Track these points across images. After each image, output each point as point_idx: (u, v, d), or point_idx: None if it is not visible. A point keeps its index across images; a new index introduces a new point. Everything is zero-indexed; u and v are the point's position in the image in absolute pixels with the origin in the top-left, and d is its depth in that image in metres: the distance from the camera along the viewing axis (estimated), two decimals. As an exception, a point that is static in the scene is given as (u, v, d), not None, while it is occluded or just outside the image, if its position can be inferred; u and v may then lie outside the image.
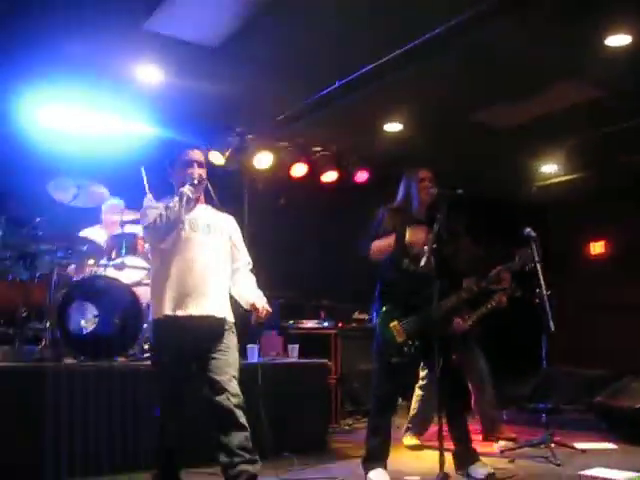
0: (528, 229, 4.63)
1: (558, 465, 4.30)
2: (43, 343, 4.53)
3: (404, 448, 4.96)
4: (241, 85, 5.67)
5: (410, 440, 5.02)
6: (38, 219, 4.85)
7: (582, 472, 4.10)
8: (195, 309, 3.30)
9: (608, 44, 4.95)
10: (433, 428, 5.11)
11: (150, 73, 5.46)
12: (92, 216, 5.53)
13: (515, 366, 7.01)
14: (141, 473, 3.88)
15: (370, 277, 4.21)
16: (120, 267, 4.96)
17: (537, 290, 4.58)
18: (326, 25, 4.78)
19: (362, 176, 7.36)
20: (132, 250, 5.10)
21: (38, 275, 4.88)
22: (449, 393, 3.92)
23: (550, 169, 7.96)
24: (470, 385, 5.29)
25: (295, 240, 7.13)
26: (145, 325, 4.81)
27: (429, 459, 3.44)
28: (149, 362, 4.63)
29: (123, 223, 5.25)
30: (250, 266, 3.68)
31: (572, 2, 4.51)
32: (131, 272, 5.03)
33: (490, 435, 5.24)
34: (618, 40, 4.92)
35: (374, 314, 4.10)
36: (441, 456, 3.40)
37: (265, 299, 3.50)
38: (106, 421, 4.16)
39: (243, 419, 3.21)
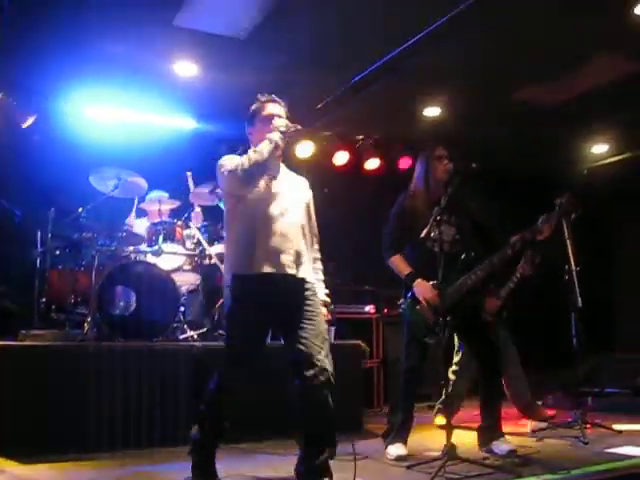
0: (560, 200, 4.53)
1: (586, 444, 4.24)
2: (86, 326, 4.77)
3: (434, 428, 5.01)
4: (275, 75, 5.75)
5: (441, 420, 5.04)
6: (81, 209, 5.14)
7: (609, 450, 4.05)
8: (286, 267, 3.14)
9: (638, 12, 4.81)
10: (462, 412, 5.17)
11: (184, 67, 5.65)
12: (132, 206, 5.75)
13: (567, 351, 6.91)
14: (179, 448, 3.96)
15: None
16: (158, 253, 5.16)
17: (566, 266, 4.55)
18: (357, 7, 4.81)
19: (405, 163, 7.38)
20: (170, 237, 5.30)
21: (84, 263, 5.14)
22: (484, 368, 3.99)
23: (600, 150, 7.76)
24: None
25: (341, 228, 7.20)
26: (182, 308, 5.02)
27: (453, 437, 3.48)
28: (186, 343, 4.89)
29: (161, 212, 5.49)
30: (317, 246, 3.50)
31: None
32: (169, 258, 5.25)
33: (528, 417, 5.21)
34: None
35: (403, 299, 4.13)
36: (448, 430, 3.47)
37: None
38: (145, 398, 4.34)
39: (330, 400, 3.07)
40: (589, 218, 8.73)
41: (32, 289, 5.13)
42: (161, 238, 5.22)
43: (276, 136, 3.18)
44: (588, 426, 4.63)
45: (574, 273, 4.50)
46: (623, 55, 5.53)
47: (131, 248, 5.22)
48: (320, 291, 3.35)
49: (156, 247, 5.17)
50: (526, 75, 5.98)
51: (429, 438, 4.51)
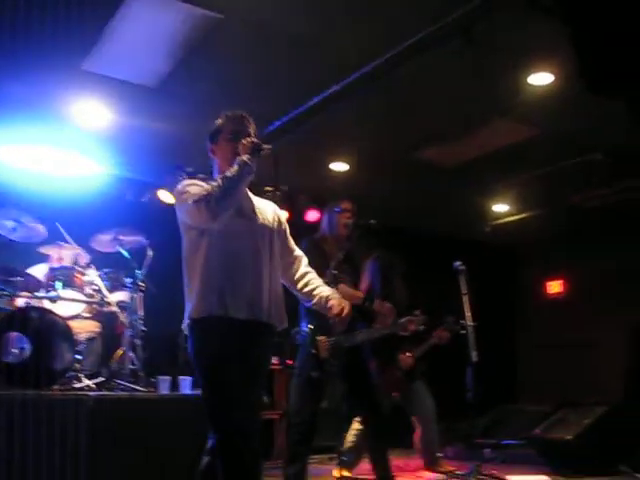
0: (458, 262, 4.77)
1: (480, 495, 4.35)
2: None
3: None
4: (184, 124, 5.80)
5: (339, 472, 5.03)
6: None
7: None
8: (261, 313, 2.81)
9: (531, 82, 5.11)
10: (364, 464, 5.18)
11: (95, 112, 5.59)
12: (31, 250, 5.60)
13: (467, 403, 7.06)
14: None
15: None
16: (55, 299, 5.02)
17: (462, 321, 4.70)
18: (259, 62, 4.91)
19: (313, 215, 7.47)
20: (69, 283, 5.18)
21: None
22: (372, 431, 4.04)
23: (500, 208, 8.10)
24: (414, 420, 5.34)
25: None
26: (79, 356, 4.88)
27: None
28: (82, 392, 4.74)
29: (61, 258, 5.37)
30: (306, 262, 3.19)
31: (492, 41, 4.67)
32: (67, 305, 5.11)
33: (430, 469, 5.27)
34: (542, 79, 5.09)
35: (300, 332, 4.13)
36: None
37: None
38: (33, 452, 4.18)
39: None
40: (492, 274, 9.17)
41: None
42: (59, 284, 5.08)
43: (247, 159, 2.77)
44: (483, 477, 4.73)
45: (469, 328, 4.65)
46: (519, 120, 5.83)
47: (27, 293, 5.06)
48: (330, 293, 3.03)
49: (53, 293, 5.04)
50: (428, 135, 6.21)
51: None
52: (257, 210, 2.99)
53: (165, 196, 6.59)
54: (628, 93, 3.93)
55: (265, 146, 2.83)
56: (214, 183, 2.76)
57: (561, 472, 5.12)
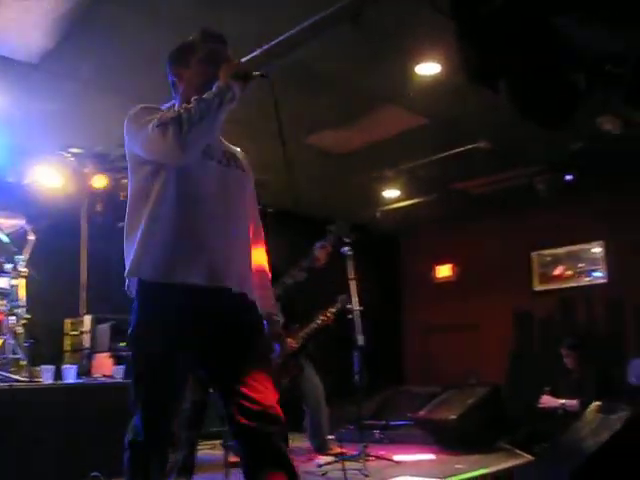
0: (345, 248, 4.80)
1: (366, 476, 4.43)
2: None
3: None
4: (68, 102, 5.57)
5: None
6: None
7: (387, 480, 4.26)
8: (224, 279, 2.21)
9: (419, 72, 5.21)
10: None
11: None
12: None
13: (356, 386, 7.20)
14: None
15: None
16: None
17: (348, 305, 4.77)
18: (140, 41, 4.77)
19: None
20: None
21: None
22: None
23: (390, 194, 8.25)
24: (304, 404, 5.37)
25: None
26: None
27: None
28: None
29: None
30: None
31: (381, 29, 4.72)
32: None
33: (320, 453, 5.33)
34: (430, 68, 5.19)
35: None
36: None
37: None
38: None
39: (287, 456, 2.14)
40: (380, 258, 9.34)
41: None
42: None
43: (233, 83, 2.21)
44: (372, 458, 4.84)
45: (356, 313, 4.72)
46: (407, 108, 5.93)
47: None
48: (265, 301, 2.48)
49: None
50: (319, 122, 6.23)
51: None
52: (230, 154, 2.45)
53: (46, 176, 6.32)
54: (507, 85, 4.08)
55: (255, 72, 2.30)
56: (186, 106, 2.11)
57: (446, 450, 5.30)
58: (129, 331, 2.23)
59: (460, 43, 4.09)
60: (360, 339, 4.60)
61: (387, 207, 8.55)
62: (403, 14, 4.46)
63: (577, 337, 6.09)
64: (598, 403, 3.53)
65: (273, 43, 4.75)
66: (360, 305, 4.91)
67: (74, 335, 6.06)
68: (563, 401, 5.40)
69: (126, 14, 4.41)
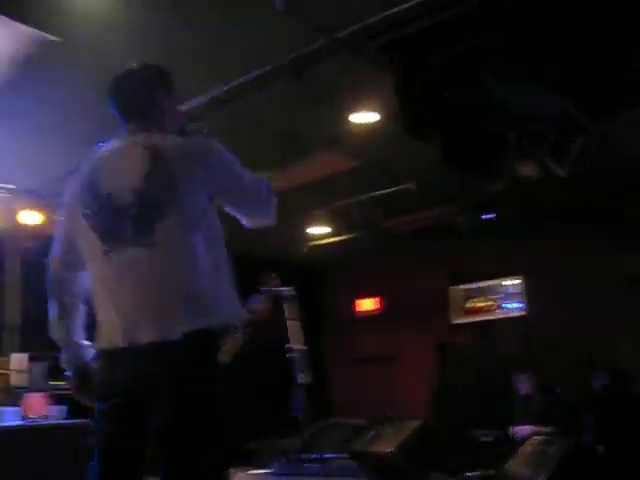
0: (286, 289, 4.95)
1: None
2: None
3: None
4: (12, 141, 5.57)
5: None
6: None
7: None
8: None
9: (353, 120, 5.49)
10: None
11: None
12: None
13: (289, 420, 7.32)
14: None
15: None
16: None
17: (286, 345, 4.92)
18: (94, 88, 4.82)
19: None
20: None
21: None
22: None
23: (319, 231, 8.50)
24: None
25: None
26: None
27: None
28: None
29: None
30: None
31: (321, 79, 4.95)
32: None
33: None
34: (364, 117, 5.47)
35: None
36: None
37: None
38: None
39: None
40: (305, 292, 9.53)
41: None
42: None
43: None
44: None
45: (300, 352, 4.87)
46: (341, 153, 6.22)
47: None
48: None
49: None
50: (254, 163, 6.38)
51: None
52: None
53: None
54: (440, 137, 4.40)
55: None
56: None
57: (382, 482, 5.49)
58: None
59: (397, 95, 4.39)
60: (301, 377, 4.75)
61: (315, 242, 8.78)
62: (343, 66, 4.71)
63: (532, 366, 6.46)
64: (537, 438, 3.79)
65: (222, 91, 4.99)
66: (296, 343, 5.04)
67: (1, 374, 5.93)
68: (536, 428, 5.72)
69: (74, 58, 4.48)
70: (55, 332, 2.31)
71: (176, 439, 2.02)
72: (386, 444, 5.65)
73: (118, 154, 2.26)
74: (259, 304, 4.29)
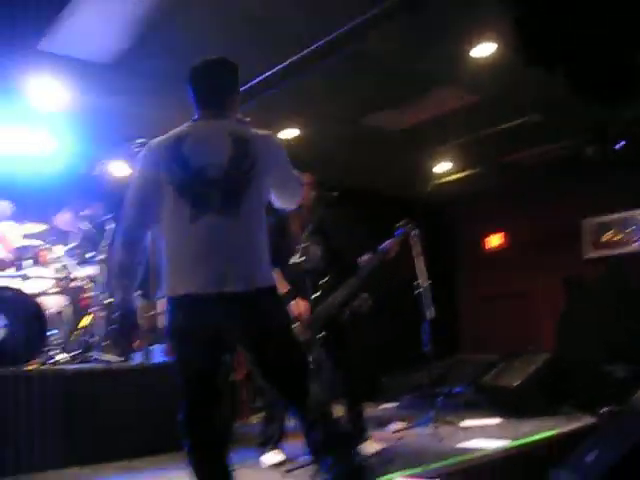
0: (409, 225, 4.98)
1: (440, 441, 4.72)
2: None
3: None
4: (140, 98, 5.89)
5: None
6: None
7: (460, 445, 4.53)
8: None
9: (473, 54, 5.41)
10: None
11: (51, 90, 5.60)
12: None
13: (418, 356, 7.48)
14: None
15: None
16: (24, 278, 5.13)
17: (415, 282, 5.02)
18: (214, 37, 5.02)
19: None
20: (37, 261, 5.29)
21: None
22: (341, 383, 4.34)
23: (443, 168, 8.46)
24: None
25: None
26: (50, 332, 5.01)
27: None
28: (57, 366, 4.91)
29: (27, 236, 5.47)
30: None
31: (438, 15, 4.91)
32: (35, 282, 5.23)
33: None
34: (484, 50, 5.37)
35: None
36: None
37: None
38: (20, 423, 4.33)
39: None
40: (433, 230, 9.56)
41: None
42: (27, 262, 5.19)
43: None
44: (440, 424, 5.12)
45: (426, 287, 4.96)
46: (461, 88, 6.14)
47: (-4, 273, 5.16)
48: None
49: (22, 272, 5.14)
50: (377, 102, 6.46)
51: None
52: None
53: (118, 169, 6.65)
54: (564, 66, 4.25)
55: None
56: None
57: (509, 416, 5.55)
58: None
59: (518, 25, 4.27)
60: (429, 312, 4.85)
61: (439, 180, 8.75)
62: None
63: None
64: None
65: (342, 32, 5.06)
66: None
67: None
68: None
69: (202, 16, 4.67)
70: (118, 278, 2.79)
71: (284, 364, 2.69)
72: (514, 378, 5.71)
73: (204, 134, 2.69)
74: (390, 243, 4.44)
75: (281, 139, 2.75)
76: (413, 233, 4.81)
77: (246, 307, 2.55)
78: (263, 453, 4.26)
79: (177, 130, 2.75)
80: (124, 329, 3.26)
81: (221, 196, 2.56)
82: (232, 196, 2.58)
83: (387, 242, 4.42)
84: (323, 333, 4.07)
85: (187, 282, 2.60)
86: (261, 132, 2.79)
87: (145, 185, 2.71)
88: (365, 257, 4.35)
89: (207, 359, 2.62)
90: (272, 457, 4.19)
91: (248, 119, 2.92)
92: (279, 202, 2.94)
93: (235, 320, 2.56)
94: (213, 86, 2.82)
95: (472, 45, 5.29)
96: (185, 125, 2.77)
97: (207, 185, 2.56)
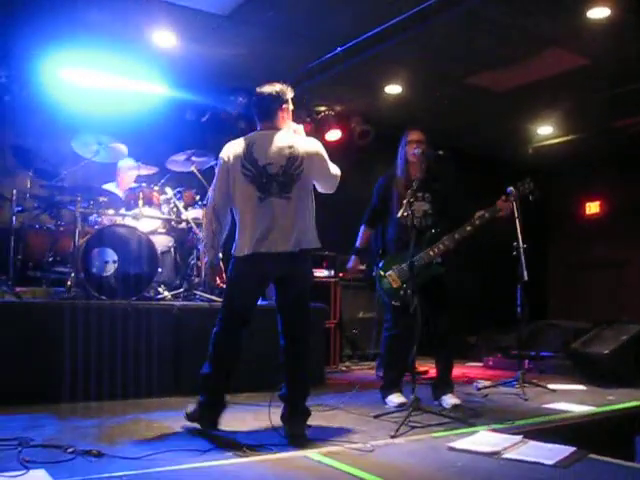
0: (510, 188, 5.01)
1: (526, 400, 4.81)
2: (69, 284, 5.04)
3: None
4: (250, 49, 6.08)
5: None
6: (64, 172, 5.41)
7: (545, 405, 4.61)
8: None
9: (589, 16, 5.30)
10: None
11: (165, 38, 5.85)
12: (111, 171, 6.02)
13: (505, 318, 7.52)
14: (164, 399, 4.55)
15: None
16: (138, 217, 5.46)
17: (514, 243, 5.05)
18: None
19: (365, 136, 7.76)
20: (148, 202, 5.59)
21: (63, 223, 5.38)
22: (435, 333, 4.51)
23: (544, 131, 8.33)
24: None
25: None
26: (160, 269, 5.33)
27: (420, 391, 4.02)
28: (165, 302, 5.22)
29: (139, 178, 5.79)
30: None
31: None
32: (146, 221, 5.55)
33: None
34: (598, 12, 5.26)
35: (375, 266, 4.65)
36: (413, 382, 3.95)
37: None
38: (130, 354, 4.62)
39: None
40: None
41: (7, 247, 5.24)
42: (140, 202, 5.51)
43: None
44: (526, 385, 5.19)
45: (522, 250, 4.99)
46: (571, 50, 6.02)
47: (112, 211, 5.48)
48: None
49: (136, 211, 5.46)
50: (482, 62, 6.42)
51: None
52: None
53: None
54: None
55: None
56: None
57: (596, 383, 5.56)
58: None
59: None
60: (525, 274, 4.88)
61: (540, 144, 8.63)
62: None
63: None
64: None
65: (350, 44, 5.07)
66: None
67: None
68: None
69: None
70: (208, 242, 3.76)
71: (299, 308, 3.69)
72: (603, 346, 5.70)
73: (266, 141, 3.61)
74: (502, 201, 4.53)
75: (320, 144, 3.74)
76: (527, 191, 4.81)
77: (291, 261, 3.56)
78: (387, 395, 4.53)
79: (248, 136, 3.69)
80: (213, 281, 4.00)
81: (278, 185, 3.55)
82: (286, 185, 3.57)
83: (503, 198, 4.52)
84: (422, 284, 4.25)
85: (248, 244, 3.56)
86: (307, 141, 3.70)
87: (226, 176, 3.64)
88: (480, 212, 4.44)
89: (251, 298, 3.71)
90: (396, 398, 4.46)
91: (301, 127, 3.80)
92: (320, 189, 3.79)
93: (282, 270, 3.59)
94: (265, 108, 3.70)
95: (588, 6, 5.19)
96: (251, 134, 3.70)
97: (268, 177, 3.55)
